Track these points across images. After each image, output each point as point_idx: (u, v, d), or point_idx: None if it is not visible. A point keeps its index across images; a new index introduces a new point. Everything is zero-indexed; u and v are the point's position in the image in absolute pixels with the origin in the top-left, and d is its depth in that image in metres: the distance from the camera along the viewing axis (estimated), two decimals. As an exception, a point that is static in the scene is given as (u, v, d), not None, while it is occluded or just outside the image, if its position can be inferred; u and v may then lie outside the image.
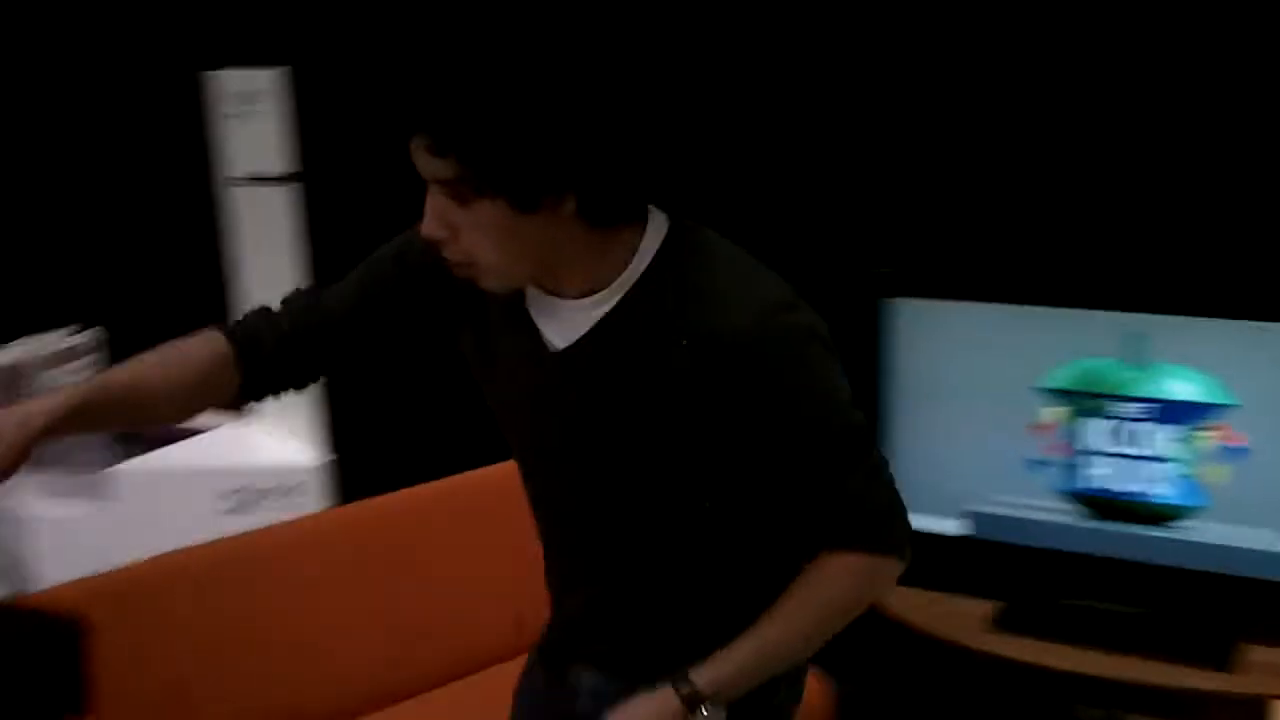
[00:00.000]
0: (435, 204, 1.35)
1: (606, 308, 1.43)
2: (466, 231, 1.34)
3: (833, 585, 1.49)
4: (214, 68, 4.05)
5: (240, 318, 1.62)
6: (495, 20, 1.29)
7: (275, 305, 1.63)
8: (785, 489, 1.47)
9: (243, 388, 1.57)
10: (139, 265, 4.74)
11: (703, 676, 1.46)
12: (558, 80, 1.27)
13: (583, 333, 1.44)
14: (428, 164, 1.31)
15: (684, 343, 1.38)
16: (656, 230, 1.44)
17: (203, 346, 1.57)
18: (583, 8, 1.32)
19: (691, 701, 1.45)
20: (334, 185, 4.32)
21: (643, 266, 1.41)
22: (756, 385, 1.38)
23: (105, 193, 5.01)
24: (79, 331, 4.49)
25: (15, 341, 4.36)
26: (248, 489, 3.93)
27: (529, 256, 1.37)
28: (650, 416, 1.42)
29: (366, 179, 4.21)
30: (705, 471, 1.46)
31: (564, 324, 1.45)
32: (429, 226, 1.36)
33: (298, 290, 1.64)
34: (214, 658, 2.56)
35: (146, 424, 1.60)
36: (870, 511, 1.49)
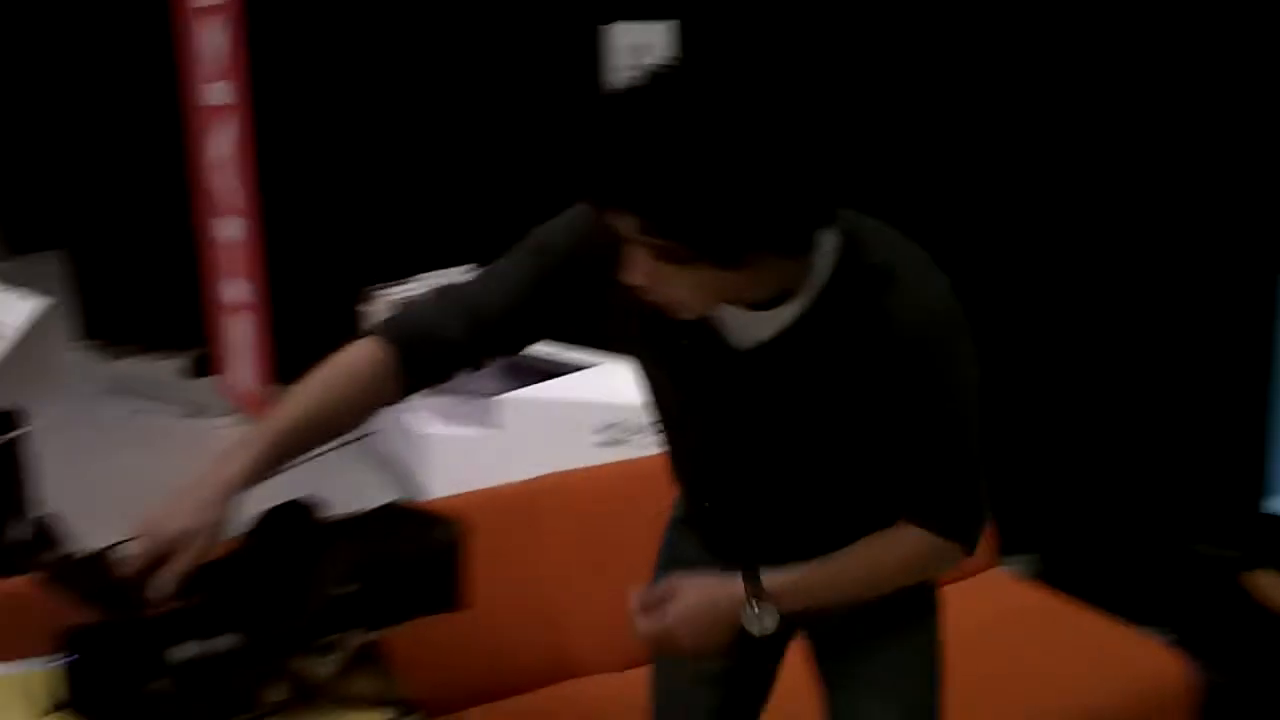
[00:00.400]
0: (639, 260, 1.39)
1: (794, 312, 1.49)
2: (669, 283, 1.40)
3: (901, 551, 1.62)
4: (610, 21, 4.22)
5: (395, 319, 1.64)
6: (702, 103, 1.29)
7: (430, 300, 1.66)
8: (901, 465, 1.58)
9: (404, 390, 1.62)
10: (533, 209, 5.02)
11: (772, 580, 1.59)
12: (765, 162, 1.29)
13: (769, 335, 1.51)
14: (635, 235, 1.36)
15: (868, 341, 1.48)
16: (830, 234, 1.48)
17: (365, 361, 1.59)
18: (781, 75, 1.33)
19: (752, 595, 1.58)
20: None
21: (826, 270, 1.48)
22: (921, 377, 1.49)
23: (505, 140, 5.32)
24: (476, 269, 4.81)
25: (419, 276, 4.74)
26: (621, 424, 4.10)
27: (727, 295, 1.45)
28: (826, 404, 1.55)
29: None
30: (854, 446, 1.60)
31: (748, 327, 1.52)
32: (633, 277, 1.41)
33: (454, 288, 1.66)
34: (577, 576, 2.71)
35: (317, 449, 1.59)
36: (958, 504, 1.61)
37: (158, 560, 1.40)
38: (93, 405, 5.80)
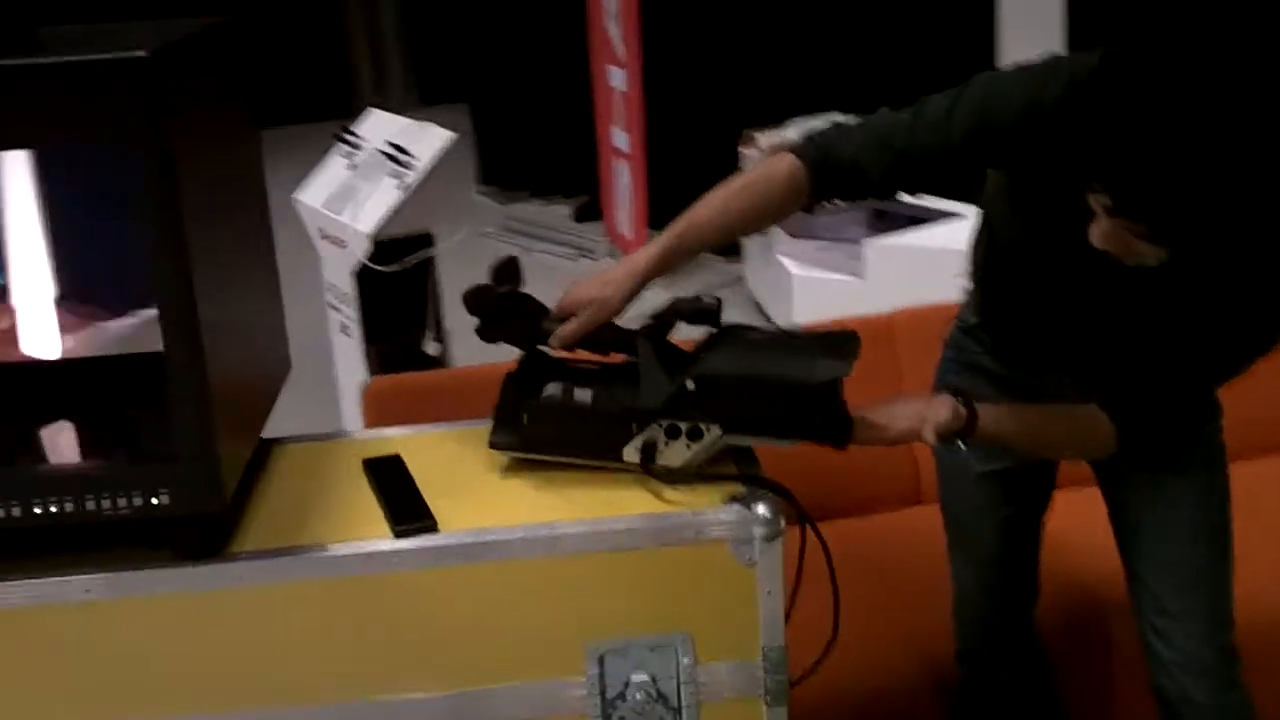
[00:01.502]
0: (1115, 233, 1.48)
1: None
2: (1133, 248, 1.49)
3: (1085, 423, 1.76)
4: None
5: (819, 141, 1.71)
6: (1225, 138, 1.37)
7: (855, 131, 1.70)
8: (1163, 362, 1.72)
9: (811, 205, 1.74)
10: (905, 59, 4.98)
11: (984, 410, 1.74)
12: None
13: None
14: (1123, 223, 1.45)
15: (1247, 276, 1.60)
16: None
17: (780, 174, 1.70)
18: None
19: (970, 420, 1.72)
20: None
21: None
22: (1258, 319, 1.65)
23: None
24: (841, 115, 4.86)
25: (790, 121, 4.83)
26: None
27: None
28: (1169, 302, 1.66)
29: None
30: (1154, 336, 1.72)
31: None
32: (1101, 242, 1.51)
33: (882, 124, 1.70)
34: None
35: (727, 244, 1.78)
36: (1155, 415, 1.76)
37: (564, 318, 1.67)
38: (487, 243, 6.26)
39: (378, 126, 3.74)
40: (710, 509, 1.55)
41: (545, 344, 1.71)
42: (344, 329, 3.67)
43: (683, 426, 1.60)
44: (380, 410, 2.53)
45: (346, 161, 3.70)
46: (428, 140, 3.49)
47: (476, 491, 1.63)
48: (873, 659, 2.36)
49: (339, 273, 3.58)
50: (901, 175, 1.71)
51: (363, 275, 3.47)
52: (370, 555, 1.49)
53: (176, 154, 1.33)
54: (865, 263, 4.29)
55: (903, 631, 2.41)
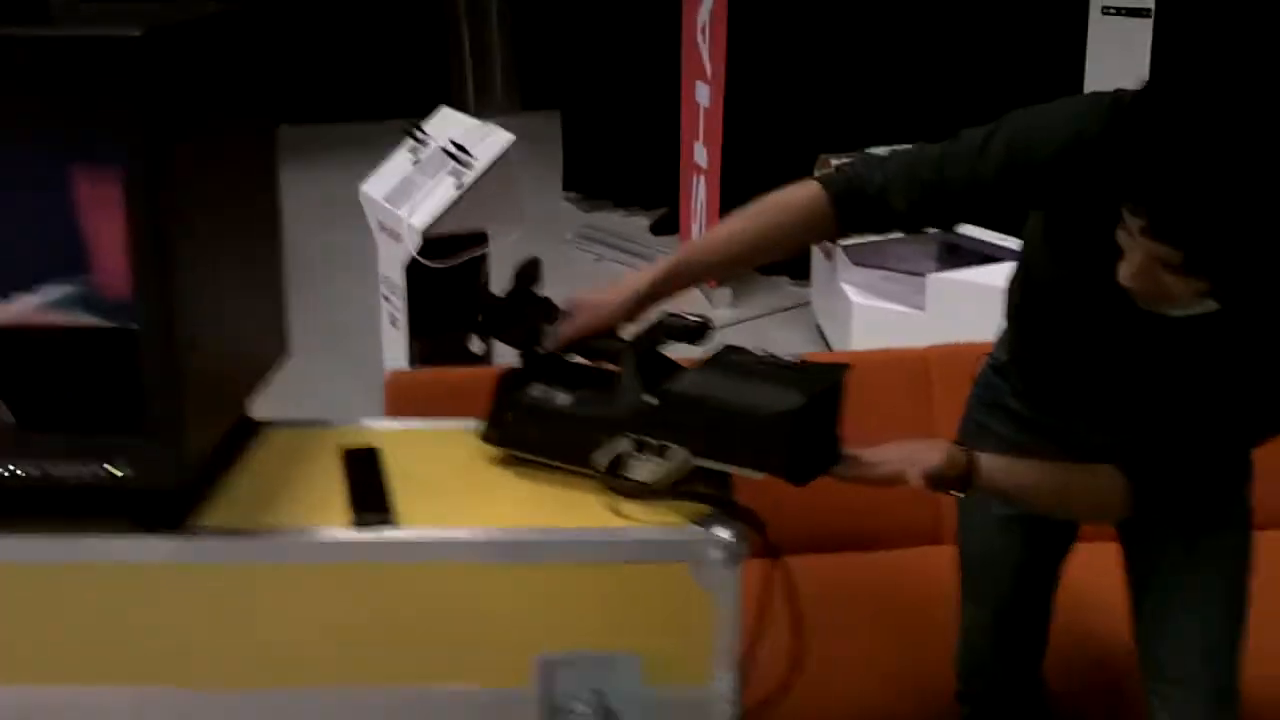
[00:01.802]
0: (1146, 266, 1.43)
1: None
2: (1161, 283, 1.43)
3: (1098, 485, 1.70)
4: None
5: (845, 171, 1.68)
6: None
7: (884, 162, 1.67)
8: (1204, 417, 1.65)
9: (837, 236, 1.73)
10: (990, 84, 4.91)
11: (987, 462, 1.70)
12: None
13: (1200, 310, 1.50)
14: (1158, 250, 1.39)
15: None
16: None
17: (800, 201, 1.68)
18: None
19: (968, 470, 1.68)
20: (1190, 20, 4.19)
21: None
22: None
23: (963, 20, 5.21)
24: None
25: (865, 148, 4.80)
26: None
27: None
28: (1201, 354, 1.60)
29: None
30: (1183, 393, 1.65)
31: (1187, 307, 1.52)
32: (1130, 279, 1.46)
33: (912, 157, 1.66)
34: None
35: (741, 271, 1.73)
36: (1181, 474, 1.70)
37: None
38: (564, 249, 6.28)
39: (444, 125, 3.78)
40: (672, 528, 1.53)
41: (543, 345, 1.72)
42: (393, 320, 3.71)
43: (651, 443, 1.59)
44: (401, 402, 2.55)
45: (412, 157, 3.75)
46: (489, 142, 3.52)
47: (450, 489, 1.63)
48: (871, 693, 2.33)
49: (392, 265, 3.62)
50: (929, 208, 1.67)
51: (415, 270, 3.51)
52: (324, 544, 1.50)
53: (163, 134, 1.35)
54: (927, 296, 4.23)
55: (904, 667, 2.38)
